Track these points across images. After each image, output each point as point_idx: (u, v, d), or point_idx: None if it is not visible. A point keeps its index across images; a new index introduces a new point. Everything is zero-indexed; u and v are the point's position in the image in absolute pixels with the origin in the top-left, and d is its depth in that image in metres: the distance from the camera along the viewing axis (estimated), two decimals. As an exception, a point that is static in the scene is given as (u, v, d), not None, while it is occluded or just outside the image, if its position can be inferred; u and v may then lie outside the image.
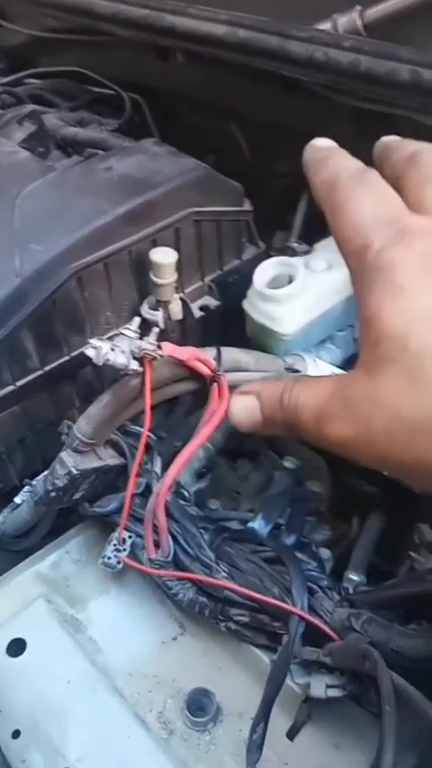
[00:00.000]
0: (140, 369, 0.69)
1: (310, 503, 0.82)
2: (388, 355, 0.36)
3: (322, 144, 0.47)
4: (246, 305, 0.90)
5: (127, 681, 0.76)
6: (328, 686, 0.64)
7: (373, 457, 0.38)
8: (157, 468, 0.78)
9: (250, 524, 0.74)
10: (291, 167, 1.38)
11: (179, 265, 0.83)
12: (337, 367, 0.93)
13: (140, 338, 0.72)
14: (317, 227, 1.24)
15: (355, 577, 1.01)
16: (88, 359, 0.67)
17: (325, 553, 0.98)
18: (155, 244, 0.83)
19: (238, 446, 1.21)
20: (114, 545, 0.76)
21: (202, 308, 0.95)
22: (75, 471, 0.74)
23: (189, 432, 1.12)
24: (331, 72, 0.79)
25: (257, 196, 0.99)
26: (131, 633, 0.80)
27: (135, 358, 0.68)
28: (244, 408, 0.43)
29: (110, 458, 0.78)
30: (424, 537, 0.80)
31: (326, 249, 0.99)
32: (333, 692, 0.64)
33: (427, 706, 0.54)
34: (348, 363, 1.03)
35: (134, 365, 0.68)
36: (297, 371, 0.75)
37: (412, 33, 0.78)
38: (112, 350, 0.67)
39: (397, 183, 0.41)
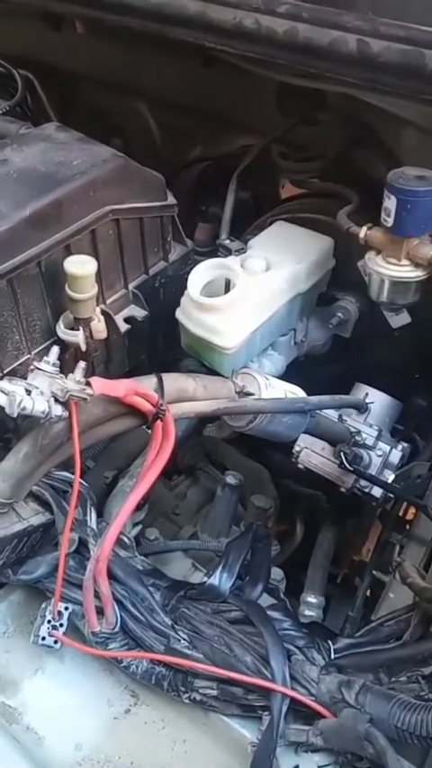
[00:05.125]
0: (65, 413, 0.55)
1: (270, 543, 0.73)
2: None
3: None
4: (180, 315, 0.78)
5: (76, 773, 0.65)
6: (320, 767, 0.55)
7: None
8: (93, 521, 0.65)
9: (210, 580, 0.63)
10: (207, 151, 1.27)
11: (98, 274, 0.70)
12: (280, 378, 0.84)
13: (61, 371, 0.59)
14: (243, 218, 1.15)
15: (312, 599, 0.94)
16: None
17: (278, 573, 0.89)
18: (69, 251, 0.70)
19: (173, 462, 1.10)
20: (49, 620, 0.63)
21: (127, 321, 0.82)
22: (-9, 541, 0.60)
23: (120, 459, 0.99)
24: (263, 43, 0.68)
25: (169, 185, 0.86)
26: (76, 713, 0.69)
27: (58, 401, 0.55)
28: None
29: (33, 515, 0.65)
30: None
31: (262, 246, 0.89)
32: (325, 773, 0.55)
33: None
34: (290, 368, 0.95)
35: (57, 410, 0.54)
36: (250, 395, 0.64)
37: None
38: (28, 393, 0.54)
39: None
